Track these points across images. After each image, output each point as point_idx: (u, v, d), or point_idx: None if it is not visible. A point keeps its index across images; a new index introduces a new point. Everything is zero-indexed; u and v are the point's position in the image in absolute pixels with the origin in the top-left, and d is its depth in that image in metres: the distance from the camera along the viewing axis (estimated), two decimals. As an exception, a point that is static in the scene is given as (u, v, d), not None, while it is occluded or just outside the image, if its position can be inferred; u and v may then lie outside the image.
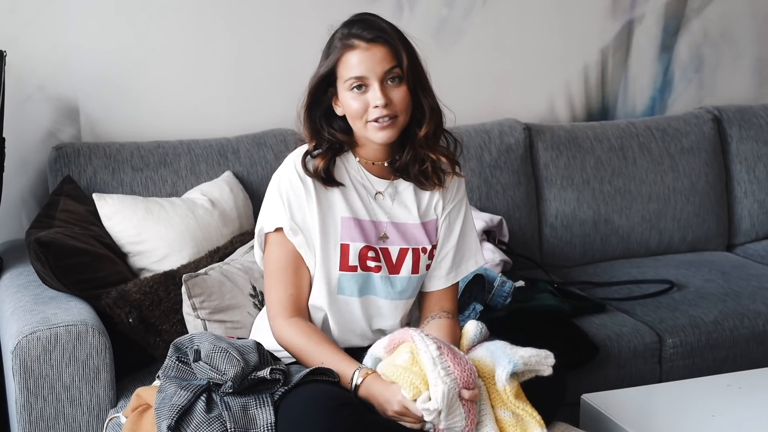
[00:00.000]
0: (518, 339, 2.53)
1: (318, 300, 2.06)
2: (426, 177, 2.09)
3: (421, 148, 2.06)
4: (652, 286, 2.99)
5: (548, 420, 2.00)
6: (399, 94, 1.99)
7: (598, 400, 2.26)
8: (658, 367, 2.71)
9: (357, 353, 2.04)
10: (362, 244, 2.05)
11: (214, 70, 3.05)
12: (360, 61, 1.97)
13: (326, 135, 2.05)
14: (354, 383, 1.92)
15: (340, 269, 2.05)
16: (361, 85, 1.98)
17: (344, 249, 2.05)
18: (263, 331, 2.14)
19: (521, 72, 3.41)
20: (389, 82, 1.98)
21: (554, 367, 2.00)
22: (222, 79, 3.06)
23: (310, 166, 2.04)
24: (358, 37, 1.98)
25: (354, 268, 2.05)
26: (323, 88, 2.03)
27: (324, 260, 2.05)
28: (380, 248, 2.07)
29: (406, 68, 1.99)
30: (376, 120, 1.99)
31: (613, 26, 3.49)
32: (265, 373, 1.89)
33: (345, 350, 2.04)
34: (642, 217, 3.28)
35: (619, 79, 3.53)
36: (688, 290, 2.98)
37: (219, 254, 2.60)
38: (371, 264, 2.06)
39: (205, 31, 3.02)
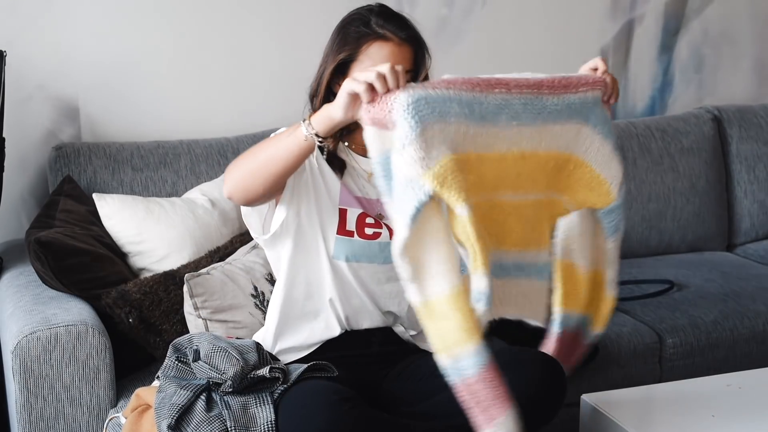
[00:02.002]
0: (518, 339, 2.54)
1: (320, 273, 2.07)
2: None
3: None
4: (652, 286, 2.99)
5: (547, 420, 2.00)
6: None
7: (598, 400, 2.26)
8: (658, 367, 2.71)
9: (371, 334, 2.04)
10: (360, 210, 2.07)
11: (214, 70, 3.05)
12: (390, 54, 2.00)
13: None
14: (304, 127, 1.85)
15: (337, 233, 2.06)
16: None
17: (342, 213, 2.06)
18: (266, 328, 2.15)
19: (521, 72, 3.40)
20: None
21: (554, 366, 2.00)
22: (222, 79, 3.06)
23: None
24: (393, 33, 2.01)
25: (351, 233, 2.06)
26: (341, 70, 2.04)
27: (321, 224, 2.06)
28: (379, 220, 2.10)
29: (420, 77, 2.04)
30: None
31: (613, 26, 3.49)
32: (264, 371, 1.89)
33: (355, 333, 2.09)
34: (642, 217, 3.28)
35: (619, 79, 3.52)
36: (688, 290, 2.98)
37: (219, 254, 2.60)
38: (369, 231, 2.08)
39: (205, 31, 3.02)
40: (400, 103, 1.72)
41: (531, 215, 1.95)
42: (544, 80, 1.90)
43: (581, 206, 2.00)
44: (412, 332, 2.15)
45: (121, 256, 2.64)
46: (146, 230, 2.64)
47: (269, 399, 1.88)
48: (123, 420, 2.03)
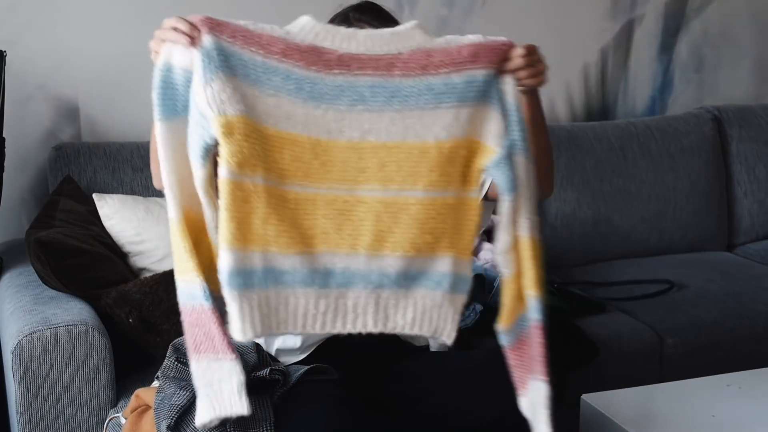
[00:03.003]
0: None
1: None
2: None
3: None
4: (652, 286, 2.99)
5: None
6: None
7: (598, 400, 2.26)
8: (658, 367, 2.71)
9: (371, 335, 2.01)
10: None
11: (214, 70, 3.05)
12: None
13: None
14: None
15: None
16: None
17: None
18: None
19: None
20: None
21: (553, 366, 2.00)
22: (222, 79, 3.06)
23: None
24: (368, 23, 2.02)
25: None
26: None
27: None
28: None
29: None
30: None
31: (613, 26, 3.49)
32: (264, 373, 1.89)
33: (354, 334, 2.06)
34: (642, 217, 3.28)
35: (619, 79, 3.53)
36: (688, 290, 2.98)
37: (219, 254, 2.60)
38: None
39: (205, 31, 3.03)
40: (206, 49, 1.63)
41: (422, 215, 1.71)
42: (400, 57, 1.69)
43: (479, 182, 1.75)
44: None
45: (121, 256, 2.64)
46: (146, 230, 2.64)
47: (269, 401, 1.87)
48: (123, 420, 2.03)
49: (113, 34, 2.93)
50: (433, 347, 2.09)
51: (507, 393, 1.96)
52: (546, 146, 2.02)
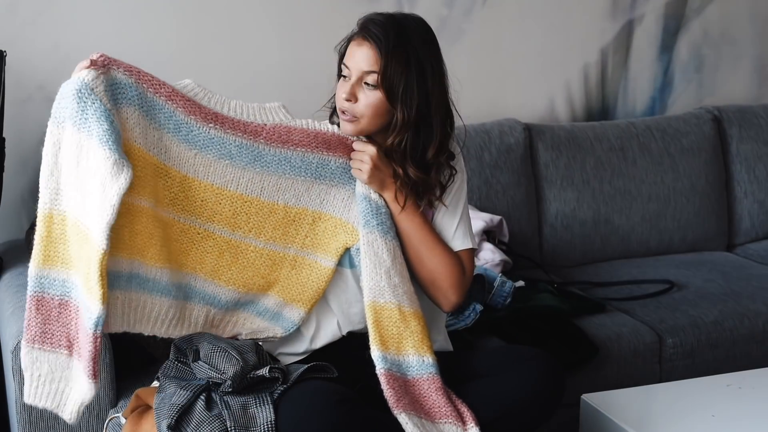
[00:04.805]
0: (518, 339, 2.54)
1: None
2: (419, 197, 2.05)
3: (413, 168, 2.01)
4: (652, 286, 2.99)
5: (547, 418, 2.00)
6: (368, 98, 1.97)
7: (598, 400, 2.27)
8: (658, 367, 2.71)
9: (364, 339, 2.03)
10: None
11: (214, 70, 3.05)
12: (352, 54, 2.00)
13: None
14: None
15: None
16: (346, 74, 2.00)
17: None
18: None
19: (521, 72, 3.41)
20: (366, 84, 1.97)
21: (553, 364, 2.01)
22: (221, 79, 3.05)
23: None
24: (359, 33, 2.00)
25: None
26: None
27: None
28: None
29: (380, 79, 1.95)
30: (342, 111, 2.00)
31: (613, 26, 3.49)
32: (264, 371, 1.89)
33: (355, 335, 2.09)
34: (642, 217, 3.28)
35: (619, 79, 3.53)
36: (688, 290, 2.98)
37: (219, 254, 2.59)
38: None
39: (205, 30, 3.02)
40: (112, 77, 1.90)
41: (258, 262, 2.01)
42: (265, 128, 1.97)
43: (338, 254, 2.03)
44: None
45: (121, 256, 2.63)
46: (146, 230, 2.63)
47: (269, 399, 1.88)
48: (123, 420, 2.03)
49: (113, 34, 2.93)
50: (434, 347, 2.08)
51: (508, 392, 1.97)
52: (418, 259, 2.03)
